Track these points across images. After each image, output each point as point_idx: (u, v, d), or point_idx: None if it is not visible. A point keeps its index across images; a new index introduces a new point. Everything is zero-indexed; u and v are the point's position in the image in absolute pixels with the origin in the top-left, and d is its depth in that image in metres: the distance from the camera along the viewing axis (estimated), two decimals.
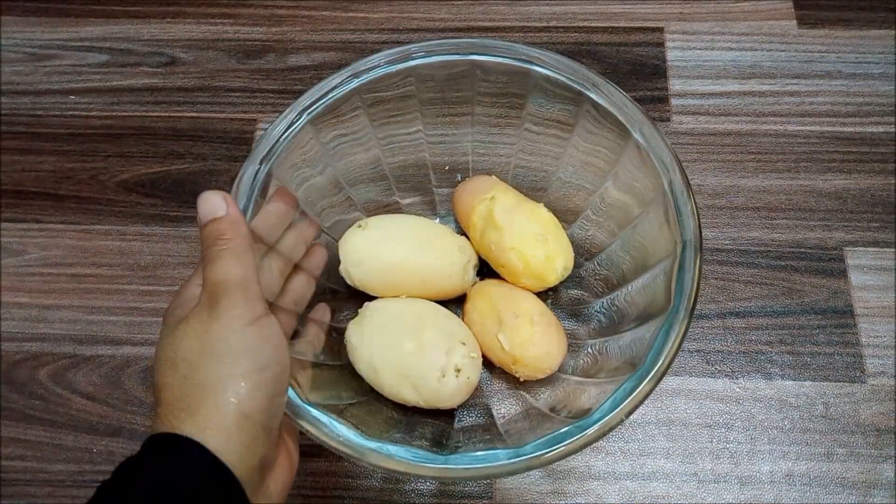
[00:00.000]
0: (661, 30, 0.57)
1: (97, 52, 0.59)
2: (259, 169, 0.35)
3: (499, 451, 0.32)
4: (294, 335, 0.38)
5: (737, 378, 0.46)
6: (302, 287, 0.40)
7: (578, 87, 0.37)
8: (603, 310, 0.43)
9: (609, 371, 0.37)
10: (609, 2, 0.58)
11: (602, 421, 0.31)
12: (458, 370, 0.39)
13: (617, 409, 0.31)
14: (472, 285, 0.44)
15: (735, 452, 0.44)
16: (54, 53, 0.59)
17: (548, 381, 0.42)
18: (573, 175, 0.43)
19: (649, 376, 0.31)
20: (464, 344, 0.40)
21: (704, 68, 0.55)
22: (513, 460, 0.31)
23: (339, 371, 0.41)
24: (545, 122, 0.41)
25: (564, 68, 0.37)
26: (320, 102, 0.37)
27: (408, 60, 0.38)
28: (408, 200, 0.48)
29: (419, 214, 0.48)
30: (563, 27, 0.57)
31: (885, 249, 0.49)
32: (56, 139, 0.55)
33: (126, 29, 0.59)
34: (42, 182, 0.54)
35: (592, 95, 0.37)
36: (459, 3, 0.59)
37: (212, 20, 0.59)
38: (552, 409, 0.39)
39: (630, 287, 0.40)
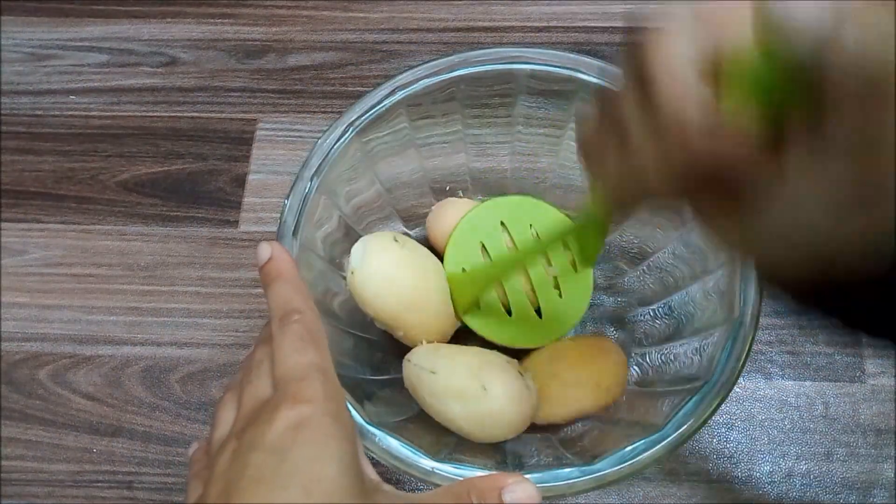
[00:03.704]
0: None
1: (97, 52, 0.58)
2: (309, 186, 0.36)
3: (571, 468, 0.31)
4: None
5: None
6: None
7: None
8: (649, 319, 0.43)
9: (666, 382, 0.37)
10: (609, 2, 0.58)
11: (674, 435, 0.31)
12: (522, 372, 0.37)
13: (688, 424, 0.31)
14: None
15: (735, 452, 0.44)
16: (54, 53, 0.59)
17: None
18: None
19: (718, 387, 0.31)
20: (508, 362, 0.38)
21: None
22: (586, 477, 0.31)
23: (388, 387, 0.40)
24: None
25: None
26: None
27: (453, 70, 0.38)
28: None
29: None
30: (563, 27, 0.57)
31: None
32: (56, 139, 0.55)
33: (126, 29, 0.59)
34: (42, 182, 0.54)
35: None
36: (459, 3, 0.59)
37: (212, 20, 0.59)
38: (609, 420, 0.39)
39: (680, 296, 0.39)
